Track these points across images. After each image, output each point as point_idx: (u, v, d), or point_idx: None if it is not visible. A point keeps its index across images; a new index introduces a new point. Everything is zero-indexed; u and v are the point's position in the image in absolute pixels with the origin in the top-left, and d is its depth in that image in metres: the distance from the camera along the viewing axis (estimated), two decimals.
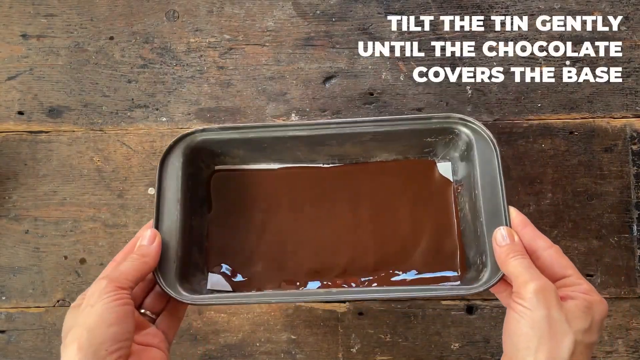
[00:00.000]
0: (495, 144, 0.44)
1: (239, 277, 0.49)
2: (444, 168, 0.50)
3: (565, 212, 0.54)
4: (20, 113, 0.56)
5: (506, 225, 0.41)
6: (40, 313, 0.53)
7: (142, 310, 0.42)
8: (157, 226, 0.44)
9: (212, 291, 0.47)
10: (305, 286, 0.48)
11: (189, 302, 0.43)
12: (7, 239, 0.54)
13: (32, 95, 0.56)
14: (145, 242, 0.42)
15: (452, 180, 0.49)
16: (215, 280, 0.48)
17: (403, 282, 0.48)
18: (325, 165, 0.50)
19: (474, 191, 0.44)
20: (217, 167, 0.50)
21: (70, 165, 0.55)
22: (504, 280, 0.40)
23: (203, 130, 0.46)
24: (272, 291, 0.46)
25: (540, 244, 0.39)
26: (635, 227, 0.53)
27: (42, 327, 0.53)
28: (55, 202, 0.55)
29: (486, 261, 0.42)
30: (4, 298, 0.54)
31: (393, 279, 0.48)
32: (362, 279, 0.48)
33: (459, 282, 0.47)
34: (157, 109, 0.55)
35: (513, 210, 0.41)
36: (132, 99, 0.56)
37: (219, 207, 0.50)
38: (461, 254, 0.48)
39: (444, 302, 0.53)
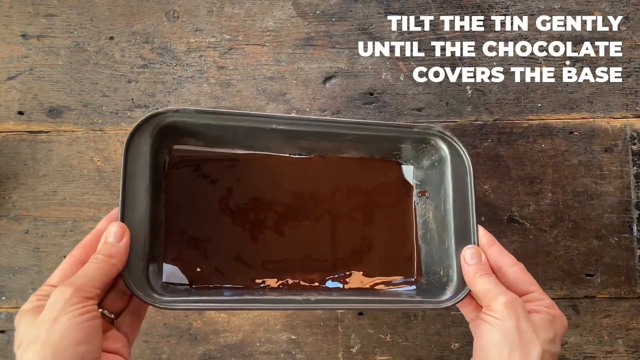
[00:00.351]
0: (470, 162, 0.44)
1: (196, 270, 0.45)
2: (407, 171, 0.50)
3: (565, 212, 0.54)
4: (20, 113, 0.56)
5: (474, 242, 0.43)
6: None
7: (100, 310, 0.36)
8: (123, 219, 0.38)
9: (185, 292, 0.43)
10: (264, 283, 0.47)
11: (159, 305, 0.38)
12: (7, 239, 0.54)
13: (32, 95, 0.56)
14: (111, 239, 0.37)
15: (412, 184, 0.50)
16: (170, 271, 0.44)
17: (361, 284, 0.48)
18: (292, 156, 0.49)
19: (445, 205, 0.45)
20: (175, 147, 0.45)
21: (70, 165, 0.55)
22: (469, 295, 0.42)
23: (176, 110, 0.41)
24: (245, 297, 0.43)
25: (505, 261, 0.41)
26: (635, 227, 0.53)
27: None
28: (55, 202, 0.55)
29: (452, 275, 0.43)
30: (4, 298, 0.54)
31: (349, 278, 0.48)
32: (322, 277, 0.48)
33: (414, 287, 0.48)
34: (157, 109, 0.55)
35: (481, 229, 0.43)
36: (132, 99, 0.56)
37: (176, 193, 0.45)
38: (418, 259, 0.49)
39: None
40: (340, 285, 0.48)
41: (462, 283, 0.42)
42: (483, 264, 0.41)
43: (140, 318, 0.40)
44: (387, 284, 0.48)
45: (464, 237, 0.43)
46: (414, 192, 0.50)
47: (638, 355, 0.52)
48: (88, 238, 0.38)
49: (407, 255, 0.49)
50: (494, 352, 0.37)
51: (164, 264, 0.44)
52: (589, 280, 0.53)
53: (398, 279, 0.48)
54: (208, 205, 0.47)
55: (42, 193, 0.55)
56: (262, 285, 0.47)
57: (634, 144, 0.54)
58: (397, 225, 0.49)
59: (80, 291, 0.33)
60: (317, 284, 0.48)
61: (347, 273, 0.48)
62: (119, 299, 0.38)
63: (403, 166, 0.50)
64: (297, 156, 0.49)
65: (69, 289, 0.33)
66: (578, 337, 0.53)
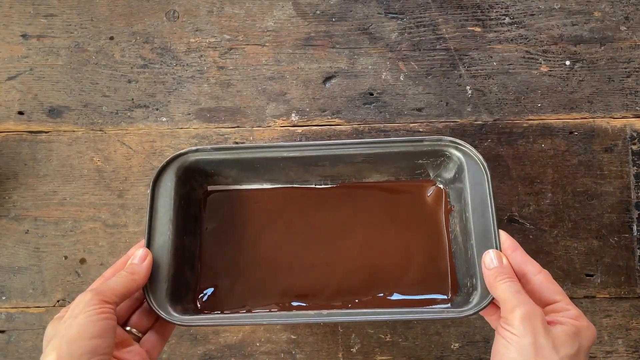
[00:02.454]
0: (486, 166, 0.44)
1: (229, 298, 0.49)
2: (436, 190, 0.50)
3: (565, 212, 0.54)
4: (21, 113, 0.56)
5: (496, 247, 0.42)
6: (41, 313, 0.53)
7: (128, 328, 0.42)
8: (148, 245, 0.44)
9: (202, 312, 0.48)
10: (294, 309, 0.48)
11: (178, 322, 0.43)
12: (7, 239, 0.54)
13: (32, 95, 0.56)
14: (136, 260, 0.43)
15: (444, 202, 0.50)
16: (205, 300, 0.49)
17: (393, 305, 0.48)
18: (318, 186, 0.51)
19: (465, 213, 0.45)
20: (210, 188, 0.51)
21: (70, 165, 0.55)
22: (493, 303, 0.41)
23: (196, 150, 0.47)
24: (261, 312, 0.46)
25: (529, 268, 0.40)
26: (635, 227, 0.53)
27: (43, 327, 0.53)
28: (55, 202, 0.55)
29: (476, 284, 0.43)
30: (4, 298, 0.54)
31: (382, 302, 0.48)
32: (352, 302, 0.48)
33: (449, 305, 0.47)
34: (157, 109, 0.56)
35: (503, 234, 0.42)
36: (132, 99, 0.56)
37: (211, 227, 0.50)
38: (452, 276, 0.48)
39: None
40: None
41: (485, 291, 0.41)
42: (504, 267, 0.40)
43: (164, 337, 0.44)
44: (424, 303, 0.47)
45: (485, 243, 0.42)
46: (444, 209, 0.50)
47: (638, 355, 0.52)
48: (118, 262, 0.44)
49: (442, 273, 0.48)
50: None
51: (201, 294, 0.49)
52: (588, 280, 0.53)
53: (435, 296, 0.48)
54: (240, 238, 0.50)
55: (42, 193, 0.55)
56: (292, 308, 0.48)
57: (634, 144, 0.54)
58: (430, 244, 0.49)
59: (99, 295, 0.38)
60: (349, 305, 0.48)
61: (381, 297, 0.48)
62: (145, 319, 0.43)
63: (431, 185, 0.50)
64: (322, 186, 0.51)
65: (90, 293, 0.38)
66: None
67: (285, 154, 0.46)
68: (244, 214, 0.51)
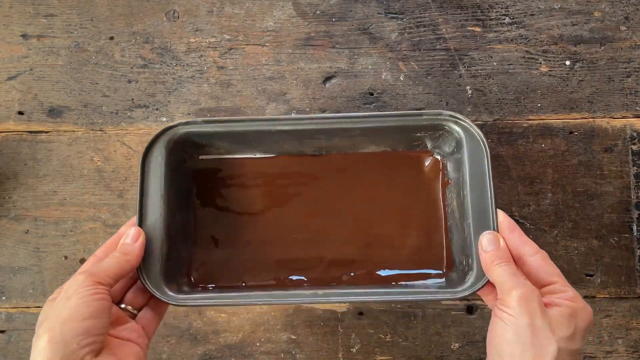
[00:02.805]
0: (486, 143, 0.43)
1: (223, 269, 0.48)
2: (434, 162, 0.49)
3: (565, 212, 0.54)
4: (21, 113, 0.56)
5: (493, 229, 0.41)
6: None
7: (123, 305, 0.42)
8: (140, 223, 0.43)
9: (197, 290, 0.47)
10: (289, 281, 0.48)
11: (173, 302, 0.42)
12: (7, 239, 0.54)
13: (32, 95, 0.56)
14: (128, 240, 0.42)
15: (441, 174, 0.49)
16: (199, 273, 0.48)
17: (387, 279, 0.47)
18: (313, 155, 0.50)
19: (463, 191, 0.44)
20: (201, 157, 0.49)
21: (70, 165, 0.55)
22: (490, 283, 0.41)
23: (186, 123, 0.45)
24: (256, 292, 0.45)
25: (526, 249, 0.39)
26: (635, 227, 0.53)
27: None
28: (55, 202, 0.55)
29: (472, 264, 0.42)
30: (4, 298, 0.54)
31: (377, 272, 0.48)
32: (347, 274, 0.48)
33: (443, 280, 0.47)
34: (157, 109, 0.56)
35: (501, 214, 0.41)
36: (133, 99, 0.56)
37: (204, 200, 0.49)
38: (447, 252, 0.47)
39: (443, 302, 0.53)
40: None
41: (481, 272, 0.41)
42: (501, 250, 0.39)
43: (159, 314, 0.44)
44: (418, 277, 0.47)
45: (483, 223, 0.42)
46: (441, 183, 0.49)
47: (638, 356, 0.52)
48: (110, 240, 0.43)
49: (437, 247, 0.48)
50: (505, 350, 0.35)
51: (194, 270, 0.48)
52: (588, 280, 0.53)
53: (429, 271, 0.47)
54: (235, 209, 0.49)
55: (42, 193, 0.55)
56: (288, 281, 0.48)
57: (634, 144, 0.54)
58: (426, 217, 0.48)
59: (92, 277, 0.37)
60: (345, 278, 0.48)
61: (376, 269, 0.48)
62: (139, 296, 0.43)
63: (429, 157, 0.49)
64: (317, 155, 0.50)
65: (83, 275, 0.38)
66: None
67: (279, 127, 0.45)
68: (237, 184, 0.50)
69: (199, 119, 0.45)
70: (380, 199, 0.49)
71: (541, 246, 0.53)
